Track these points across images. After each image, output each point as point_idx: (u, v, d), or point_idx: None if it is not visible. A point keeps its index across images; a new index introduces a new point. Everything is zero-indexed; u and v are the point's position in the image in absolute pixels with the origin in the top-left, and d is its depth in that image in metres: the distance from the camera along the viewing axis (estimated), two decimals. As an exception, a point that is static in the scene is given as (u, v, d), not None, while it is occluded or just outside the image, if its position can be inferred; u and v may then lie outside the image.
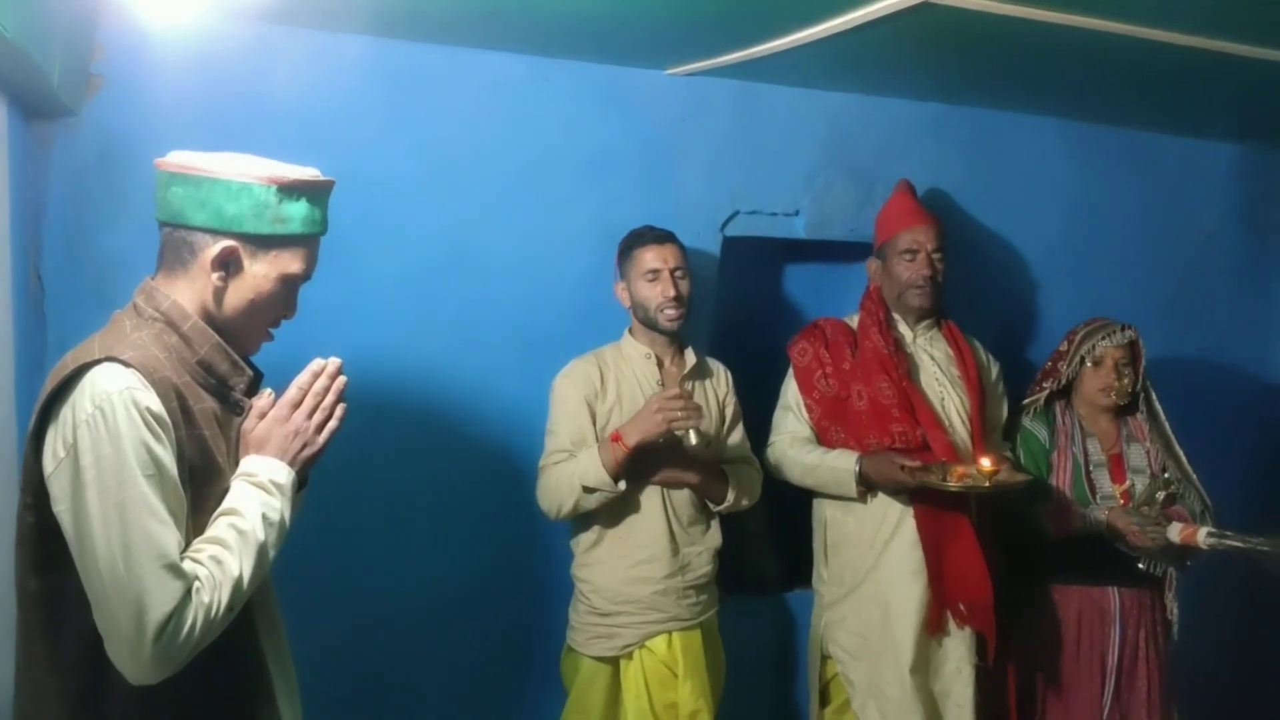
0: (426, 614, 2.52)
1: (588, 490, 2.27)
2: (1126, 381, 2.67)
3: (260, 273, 1.44)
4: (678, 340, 2.48)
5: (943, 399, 2.59)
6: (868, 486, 2.47)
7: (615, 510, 2.37)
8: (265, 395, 1.49)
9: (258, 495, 1.40)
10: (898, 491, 2.44)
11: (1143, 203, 3.26)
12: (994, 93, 2.87)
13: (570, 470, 2.29)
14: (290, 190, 1.43)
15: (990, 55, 2.43)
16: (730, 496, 2.42)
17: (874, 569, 2.52)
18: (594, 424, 2.36)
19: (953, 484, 2.36)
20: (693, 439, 2.27)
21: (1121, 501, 2.65)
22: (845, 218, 2.89)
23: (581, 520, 2.41)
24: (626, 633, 2.37)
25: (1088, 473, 2.68)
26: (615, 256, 2.47)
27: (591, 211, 2.60)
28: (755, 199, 2.79)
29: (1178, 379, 2.94)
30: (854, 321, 2.67)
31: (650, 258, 2.38)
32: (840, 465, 2.46)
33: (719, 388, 2.53)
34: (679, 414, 2.20)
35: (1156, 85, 2.65)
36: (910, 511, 2.48)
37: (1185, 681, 2.82)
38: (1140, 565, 2.61)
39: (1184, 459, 2.71)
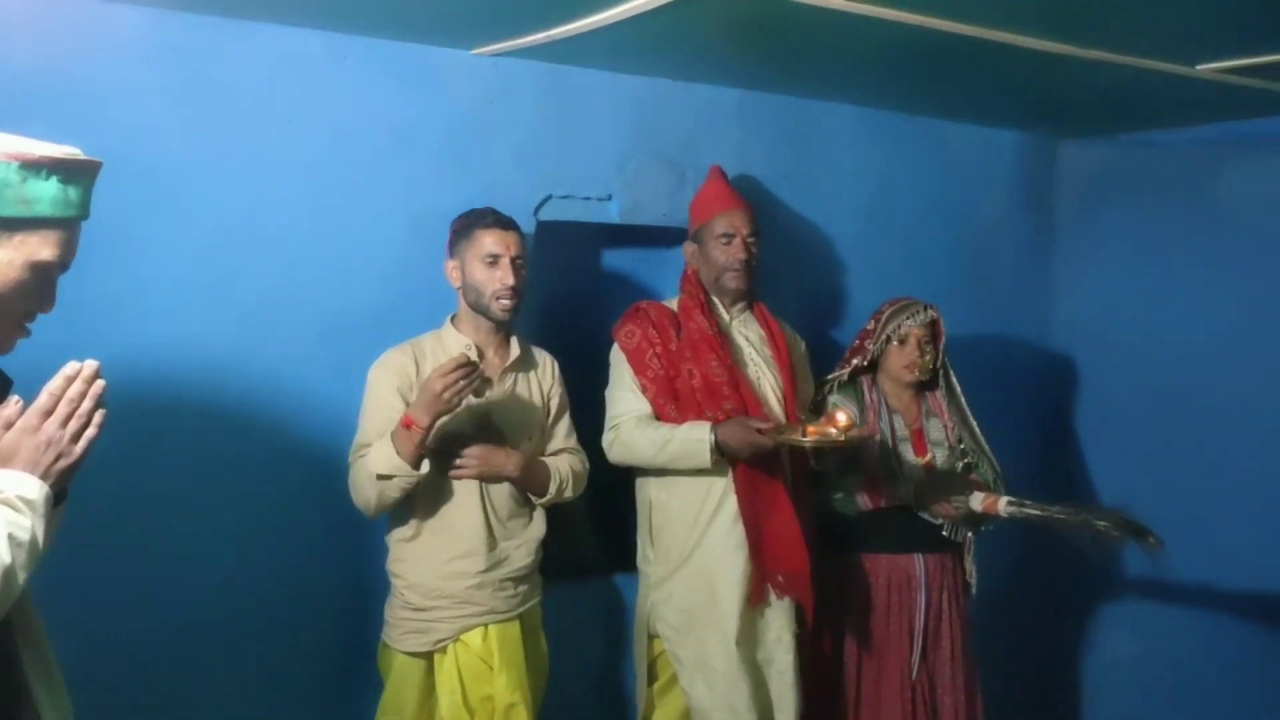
0: (232, 620, 2.38)
1: (383, 478, 2.18)
2: (928, 358, 2.80)
3: (3, 259, 1.30)
4: (504, 329, 2.41)
5: (759, 379, 2.66)
6: (722, 454, 2.48)
7: (431, 505, 2.31)
8: (12, 403, 1.34)
9: (2, 514, 1.26)
10: (755, 455, 2.46)
11: (936, 187, 3.43)
12: (795, 80, 2.95)
13: (367, 462, 2.21)
14: (35, 168, 1.29)
15: (789, 42, 2.49)
16: (552, 489, 2.40)
17: (699, 546, 2.56)
18: None
19: (808, 440, 2.40)
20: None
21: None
22: (658, 202, 2.91)
23: (397, 515, 2.34)
24: (441, 627, 2.31)
25: (894, 447, 2.80)
26: (448, 233, 2.39)
27: (396, 194, 2.51)
28: (567, 183, 2.77)
29: (970, 353, 3.11)
30: (673, 304, 2.69)
31: (491, 242, 2.31)
32: (694, 436, 2.47)
33: (544, 379, 2.49)
34: (461, 384, 2.12)
35: (946, 75, 2.79)
36: (731, 488, 2.53)
37: (986, 637, 3.00)
38: (944, 532, 2.76)
39: (978, 431, 2.86)
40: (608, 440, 2.60)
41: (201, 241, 2.30)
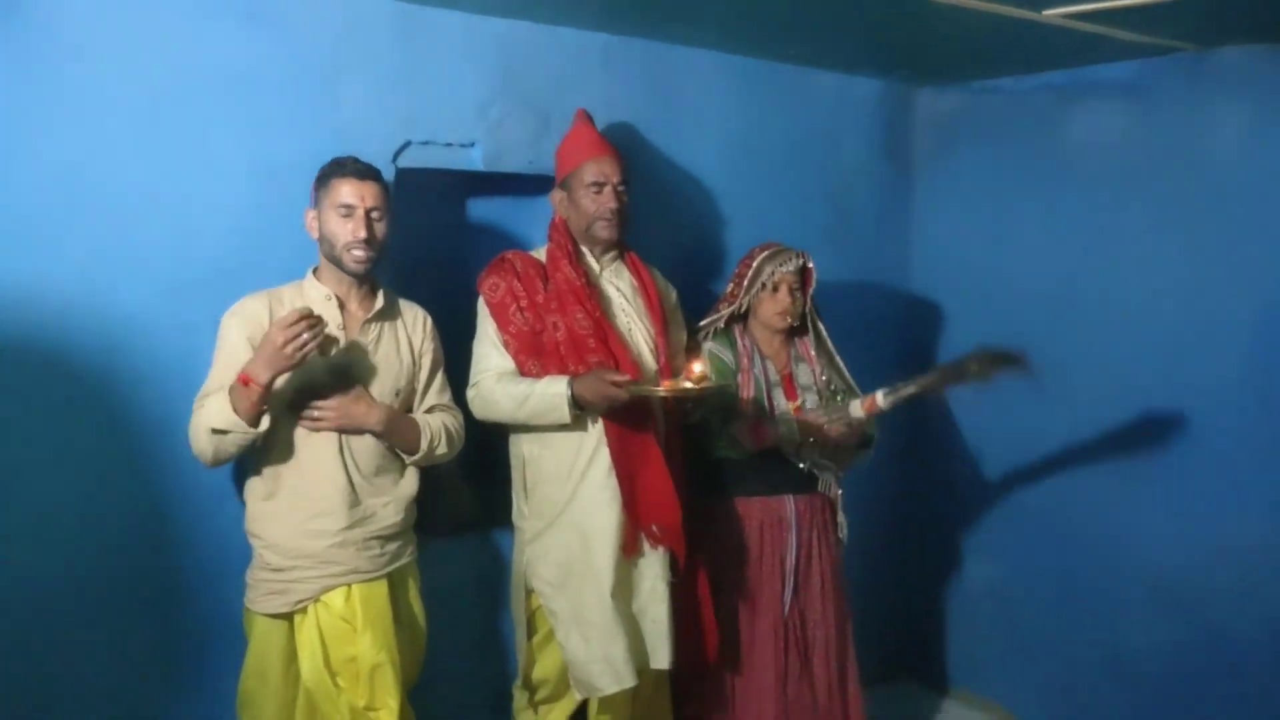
0: (82, 592, 2.26)
1: (217, 432, 2.09)
2: (798, 304, 2.83)
3: None
4: (368, 281, 2.32)
5: (630, 329, 2.63)
6: (580, 408, 2.46)
7: (288, 462, 2.22)
8: None
9: None
10: (611, 408, 2.43)
11: (798, 134, 3.45)
12: (659, 25, 2.91)
13: (203, 414, 2.12)
14: None
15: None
16: (423, 446, 2.33)
17: (572, 500, 2.54)
18: None
19: (663, 390, 2.41)
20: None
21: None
22: (523, 149, 2.82)
23: (254, 473, 2.26)
24: (300, 588, 2.24)
25: (767, 392, 2.83)
26: (312, 183, 2.28)
27: (240, 139, 2.36)
28: (427, 129, 2.66)
29: (834, 295, 3.17)
30: (541, 254, 2.63)
31: (346, 191, 2.21)
32: (552, 391, 2.44)
33: (414, 333, 2.41)
34: (306, 336, 2.02)
35: (804, 21, 2.79)
36: (604, 441, 2.51)
37: (854, 572, 3.09)
38: (818, 489, 2.86)
39: (845, 372, 2.93)
40: (470, 396, 2.55)
41: (26, 192, 2.12)
